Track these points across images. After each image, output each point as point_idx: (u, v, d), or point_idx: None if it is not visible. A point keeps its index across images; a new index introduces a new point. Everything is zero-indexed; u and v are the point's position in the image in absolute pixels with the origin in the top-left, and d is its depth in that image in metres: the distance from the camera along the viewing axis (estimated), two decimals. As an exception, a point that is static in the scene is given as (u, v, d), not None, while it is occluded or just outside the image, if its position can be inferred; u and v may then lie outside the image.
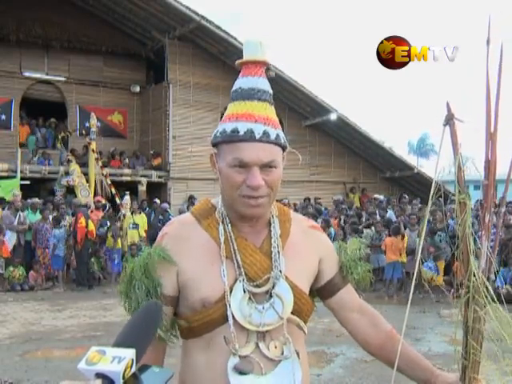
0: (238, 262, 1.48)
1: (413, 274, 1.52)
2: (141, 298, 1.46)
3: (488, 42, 1.35)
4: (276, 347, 1.46)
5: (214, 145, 1.50)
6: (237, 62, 1.53)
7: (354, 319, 1.64)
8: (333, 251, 1.65)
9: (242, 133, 1.42)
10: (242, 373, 1.42)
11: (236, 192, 1.44)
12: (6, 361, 6.24)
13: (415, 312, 8.13)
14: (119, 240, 11.41)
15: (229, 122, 1.47)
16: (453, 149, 1.43)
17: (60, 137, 16.52)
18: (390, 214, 13.57)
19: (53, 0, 15.77)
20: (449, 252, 9.81)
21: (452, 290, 10.00)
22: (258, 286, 1.47)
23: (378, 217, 12.86)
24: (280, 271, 1.49)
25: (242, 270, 1.47)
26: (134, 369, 1.00)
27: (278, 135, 1.45)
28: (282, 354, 1.46)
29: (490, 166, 1.38)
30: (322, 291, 1.63)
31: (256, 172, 1.41)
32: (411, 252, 10.63)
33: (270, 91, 1.51)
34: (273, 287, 1.47)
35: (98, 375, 0.97)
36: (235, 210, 1.50)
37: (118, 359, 0.98)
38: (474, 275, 1.37)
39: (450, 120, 1.40)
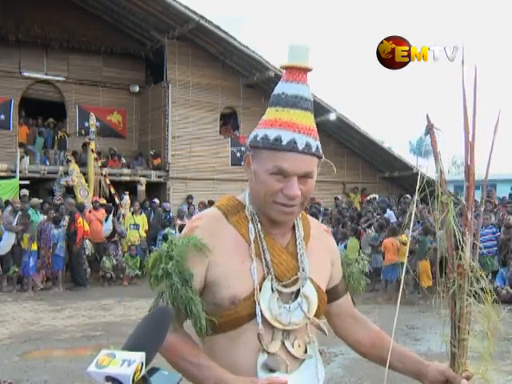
0: (266, 261, 1.50)
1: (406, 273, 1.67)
2: (169, 290, 1.43)
3: (463, 62, 1.50)
4: (300, 346, 1.49)
5: (252, 147, 1.50)
6: (281, 64, 1.53)
7: (348, 324, 1.71)
8: (339, 257, 1.72)
9: (285, 142, 1.44)
10: (271, 370, 1.43)
11: (270, 198, 1.46)
12: (5, 361, 6.23)
13: (414, 312, 8.14)
14: (35, 243, 11.17)
15: (271, 128, 1.47)
16: (434, 155, 1.57)
17: (57, 137, 16.46)
18: (389, 214, 13.55)
19: (52, 0, 15.77)
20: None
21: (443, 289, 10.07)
22: (285, 286, 1.50)
23: (377, 217, 12.87)
24: (305, 272, 1.53)
25: (271, 269, 1.49)
26: (143, 372, 1.01)
27: (317, 147, 1.49)
28: (305, 353, 1.50)
29: (469, 170, 1.55)
30: (327, 294, 1.65)
31: (294, 182, 1.44)
32: (410, 252, 10.64)
33: (312, 99, 1.52)
34: (301, 288, 1.51)
35: (108, 378, 0.98)
36: (265, 214, 1.52)
37: (128, 362, 0.99)
38: (460, 266, 1.51)
39: (430, 130, 1.55)
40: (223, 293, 1.46)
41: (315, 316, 1.53)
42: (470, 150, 1.54)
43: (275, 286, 1.48)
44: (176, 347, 1.42)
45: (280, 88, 1.51)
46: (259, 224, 1.53)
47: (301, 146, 1.44)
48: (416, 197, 1.54)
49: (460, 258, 1.50)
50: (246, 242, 1.51)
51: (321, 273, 1.59)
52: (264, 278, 1.48)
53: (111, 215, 12.80)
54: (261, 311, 1.44)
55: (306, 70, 1.50)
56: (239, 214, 1.55)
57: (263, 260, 1.49)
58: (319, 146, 1.50)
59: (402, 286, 1.72)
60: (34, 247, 11.03)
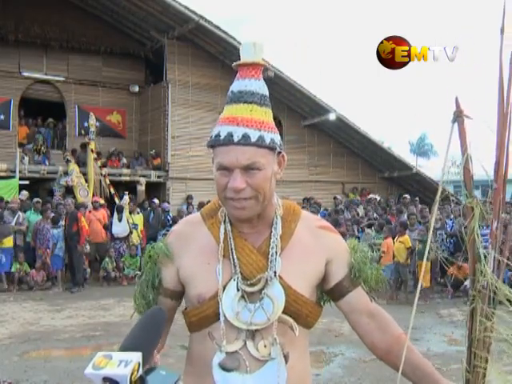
0: (234, 261, 1.50)
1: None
2: (143, 285, 1.61)
3: (502, 30, 1.26)
4: (265, 347, 1.46)
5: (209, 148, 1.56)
6: (233, 64, 1.53)
7: (364, 323, 1.60)
8: (344, 253, 1.61)
9: (222, 137, 1.45)
10: (226, 369, 1.43)
11: (222, 194, 1.48)
12: (4, 361, 6.23)
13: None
14: (8, 239, 11.08)
15: (216, 126, 1.50)
16: (460, 148, 1.32)
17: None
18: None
19: (52, 0, 15.76)
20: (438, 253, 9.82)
21: (450, 290, 10.08)
22: (251, 285, 1.49)
23: (375, 215, 12.91)
24: (275, 272, 1.49)
25: (238, 268, 1.49)
26: (140, 372, 1.01)
27: (261, 137, 1.44)
28: (270, 354, 1.46)
29: (499, 168, 1.27)
30: (331, 293, 1.62)
31: (236, 175, 1.42)
32: (411, 252, 10.65)
33: (262, 92, 1.50)
34: (264, 287, 1.48)
35: (105, 379, 0.98)
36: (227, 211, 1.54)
37: (125, 363, 0.99)
38: (483, 286, 1.29)
39: (458, 117, 1.31)
40: (192, 292, 1.53)
41: (293, 317, 1.49)
42: (501, 146, 1.29)
43: (240, 285, 1.48)
44: None
45: (230, 87, 1.53)
46: (229, 224, 1.54)
47: (237, 138, 1.42)
48: (436, 202, 1.33)
49: (482, 274, 1.28)
50: (217, 243, 1.53)
51: (301, 272, 1.52)
52: (231, 278, 1.49)
53: (124, 215, 12.67)
54: (223, 310, 1.46)
55: (253, 66, 1.49)
56: (216, 216, 1.58)
57: (231, 260, 1.50)
58: (266, 136, 1.44)
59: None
60: (8, 243, 10.98)
